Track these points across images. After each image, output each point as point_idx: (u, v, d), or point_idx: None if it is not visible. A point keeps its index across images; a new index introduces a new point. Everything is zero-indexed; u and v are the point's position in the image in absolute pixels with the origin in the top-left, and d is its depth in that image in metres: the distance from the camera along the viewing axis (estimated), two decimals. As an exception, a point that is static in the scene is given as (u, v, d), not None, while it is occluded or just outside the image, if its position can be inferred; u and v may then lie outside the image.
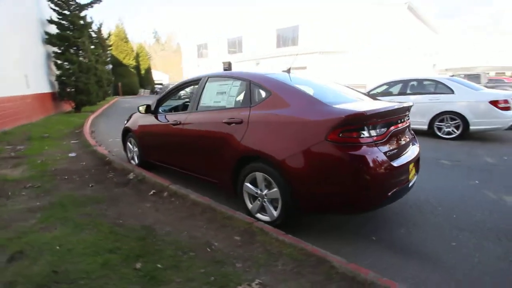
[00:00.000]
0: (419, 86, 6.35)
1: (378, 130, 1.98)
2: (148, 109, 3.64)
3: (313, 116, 2.02)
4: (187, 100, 4.15)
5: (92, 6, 11.62)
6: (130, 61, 31.13)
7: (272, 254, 1.91)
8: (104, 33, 19.51)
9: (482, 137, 5.97)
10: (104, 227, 2.27)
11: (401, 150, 2.19)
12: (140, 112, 3.73)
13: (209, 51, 27.39)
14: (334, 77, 14.68)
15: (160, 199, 2.94)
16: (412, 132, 2.68)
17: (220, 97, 2.79)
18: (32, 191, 3.16)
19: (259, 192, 2.38)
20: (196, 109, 2.98)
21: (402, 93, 6.48)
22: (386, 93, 6.74)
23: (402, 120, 2.25)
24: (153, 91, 35.03)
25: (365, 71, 16.67)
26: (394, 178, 2.02)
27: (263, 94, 2.42)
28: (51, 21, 10.38)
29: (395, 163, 2.02)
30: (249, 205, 2.48)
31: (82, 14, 11.44)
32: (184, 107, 4.00)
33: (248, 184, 2.44)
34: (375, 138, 1.95)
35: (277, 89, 2.33)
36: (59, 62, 10.50)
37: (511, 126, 5.51)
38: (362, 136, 1.92)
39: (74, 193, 3.14)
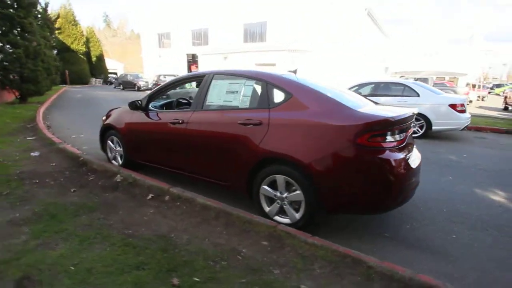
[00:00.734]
0: (388, 89, 6.89)
1: (398, 135, 2.10)
2: (137, 106, 3.33)
3: (343, 120, 2.05)
4: (181, 97, 3.90)
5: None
6: (79, 47, 28.12)
7: (306, 258, 1.92)
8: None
9: (441, 136, 6.73)
10: (115, 239, 2.03)
11: (412, 153, 2.36)
12: (130, 108, 3.39)
13: (172, 41, 25.98)
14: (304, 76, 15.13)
15: (163, 204, 2.74)
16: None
17: (231, 96, 2.68)
18: (2, 200, 2.68)
19: (278, 194, 2.35)
20: (202, 108, 2.82)
21: (372, 94, 6.95)
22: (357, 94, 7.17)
23: (411, 125, 2.42)
24: (106, 81, 32.16)
25: (327, 71, 17.50)
26: (412, 179, 2.17)
27: (283, 95, 2.38)
28: (-13, -4, 8.82)
29: (413, 165, 2.17)
30: (266, 208, 2.45)
31: (27, -10, 9.92)
32: (178, 104, 3.76)
33: (266, 187, 2.40)
34: (396, 142, 2.06)
35: (298, 91, 2.31)
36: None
37: (466, 127, 6.31)
38: (387, 140, 2.02)
39: (57, 200, 2.75)
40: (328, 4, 16.70)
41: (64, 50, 26.02)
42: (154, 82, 16.53)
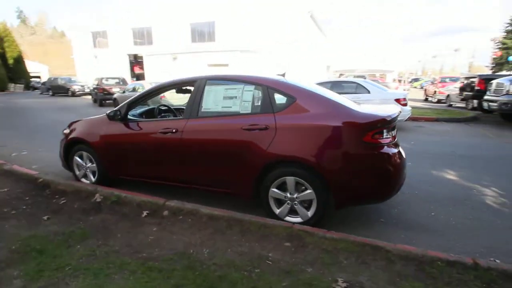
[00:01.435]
0: (344, 87, 7.54)
1: (392, 132, 2.36)
2: (115, 116, 3.02)
3: (348, 121, 2.22)
4: (162, 104, 3.65)
5: None
6: (-10, 47, 23.67)
7: (330, 252, 2.04)
8: None
9: (387, 127, 7.62)
10: (133, 266, 1.85)
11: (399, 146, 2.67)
12: (109, 119, 3.05)
13: (109, 41, 23.67)
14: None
15: (164, 220, 2.57)
16: None
17: (229, 102, 2.64)
18: (-42, 242, 2.18)
19: (288, 195, 2.43)
20: (197, 115, 2.71)
21: (329, 92, 7.53)
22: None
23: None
24: (28, 86, 27.75)
25: (278, 70, 18.17)
26: (404, 169, 2.47)
27: (286, 99, 2.45)
28: None
29: (403, 157, 2.47)
30: (276, 210, 2.50)
31: None
32: (160, 112, 3.52)
33: (275, 189, 2.46)
34: (391, 138, 2.32)
35: (301, 95, 2.41)
36: None
37: (408, 118, 7.29)
38: (385, 137, 2.26)
39: (33, 232, 2.36)
40: (273, 6, 17.31)
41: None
42: (94, 86, 14.88)
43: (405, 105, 6.95)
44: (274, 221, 2.40)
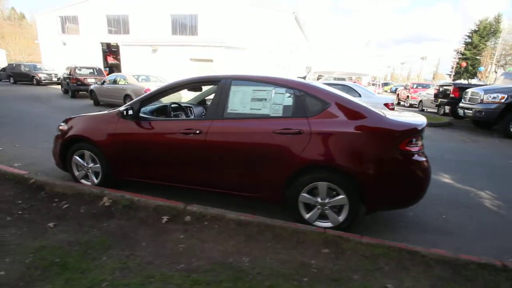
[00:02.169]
0: (336, 89, 7.69)
1: (421, 140, 2.42)
2: (128, 114, 2.78)
3: (386, 128, 2.25)
4: (173, 102, 3.43)
5: None
6: None
7: (370, 258, 2.06)
8: None
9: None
10: (177, 279, 1.72)
11: None
12: (120, 116, 2.80)
13: (80, 27, 21.95)
14: (240, 73, 15.20)
15: (189, 226, 2.43)
16: None
17: (258, 104, 2.55)
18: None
19: (319, 201, 2.42)
20: (223, 116, 2.59)
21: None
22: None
23: None
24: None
25: (261, 69, 18.17)
26: (430, 175, 2.55)
27: (320, 104, 2.42)
28: None
29: (429, 164, 2.55)
30: (306, 215, 2.48)
31: None
32: (172, 110, 3.31)
33: (306, 194, 2.43)
34: (420, 146, 2.38)
35: (335, 100, 2.40)
36: None
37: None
38: (417, 145, 2.32)
39: (43, 242, 2.11)
40: (259, 6, 17.24)
41: None
42: (66, 76, 13.73)
43: (392, 109, 7.28)
44: (305, 226, 2.37)
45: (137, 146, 2.82)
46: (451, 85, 10.34)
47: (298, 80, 2.61)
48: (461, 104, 8.56)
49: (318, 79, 19.84)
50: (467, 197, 3.52)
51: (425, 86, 19.24)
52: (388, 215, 2.92)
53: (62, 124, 3.28)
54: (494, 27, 46.01)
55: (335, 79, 17.53)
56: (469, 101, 8.21)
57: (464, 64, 40.98)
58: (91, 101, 11.23)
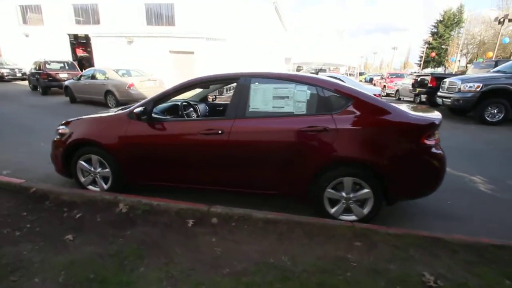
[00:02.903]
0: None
1: (437, 134, 2.53)
2: (141, 115, 2.65)
3: (409, 122, 2.34)
4: (185, 100, 3.30)
5: None
6: None
7: (400, 248, 2.17)
8: None
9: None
10: (229, 283, 1.70)
11: None
12: (133, 118, 2.65)
13: (44, 17, 20.15)
14: (222, 65, 14.92)
15: (217, 229, 2.40)
16: None
17: (281, 102, 2.53)
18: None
19: (344, 195, 2.49)
20: (244, 115, 2.54)
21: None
22: None
23: None
24: None
25: (241, 60, 17.96)
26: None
27: (343, 101, 2.45)
28: None
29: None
30: (331, 210, 2.54)
31: None
32: (183, 108, 3.19)
33: (331, 190, 2.49)
34: (437, 139, 2.49)
35: (358, 96, 2.44)
36: None
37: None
38: (435, 138, 2.44)
39: (68, 257, 2.00)
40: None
41: None
42: (34, 71, 12.67)
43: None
44: (333, 221, 2.44)
45: (154, 148, 2.71)
46: (428, 75, 10.89)
47: (319, 77, 2.63)
48: (439, 93, 9.06)
49: (298, 70, 20.01)
50: (462, 183, 3.79)
51: (400, 76, 20.16)
52: (401, 205, 3.08)
53: (62, 127, 3.05)
54: (457, 17, 48.84)
55: (316, 70, 17.77)
56: (447, 90, 8.72)
57: (433, 54, 43.25)
58: (67, 98, 10.50)
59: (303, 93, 2.52)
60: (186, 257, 2.02)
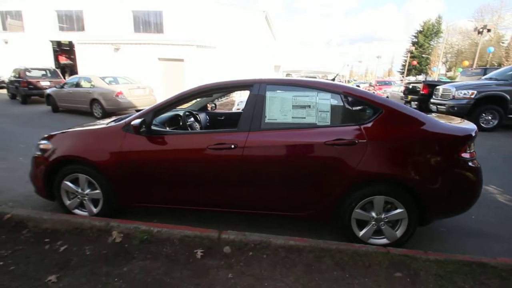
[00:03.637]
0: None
1: (473, 147, 2.28)
2: (140, 128, 2.28)
3: (446, 133, 2.10)
4: (187, 110, 2.95)
5: None
6: None
7: (445, 277, 1.89)
8: None
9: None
10: None
11: None
12: (129, 131, 2.28)
13: (25, 23, 19.27)
14: (212, 73, 14.62)
15: (232, 260, 2.05)
16: None
17: (302, 111, 2.24)
18: None
19: (374, 216, 2.20)
20: (260, 127, 2.23)
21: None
22: None
23: None
24: None
25: (231, 68, 17.73)
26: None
27: (371, 110, 2.20)
28: None
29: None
30: (359, 233, 2.25)
31: None
32: (185, 119, 2.83)
33: (359, 210, 2.20)
34: (473, 152, 2.25)
35: (388, 105, 2.19)
36: None
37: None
38: (471, 151, 2.20)
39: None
40: (229, 5, 16.76)
41: None
42: (14, 79, 11.91)
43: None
44: (365, 247, 2.14)
45: (155, 166, 2.34)
46: (420, 83, 10.99)
47: (343, 84, 2.37)
48: (433, 100, 9.10)
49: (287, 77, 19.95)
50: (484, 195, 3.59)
51: (388, 84, 20.55)
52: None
53: (43, 142, 2.64)
54: (436, 27, 51.14)
55: (306, 77, 17.73)
56: (441, 97, 8.76)
57: (415, 62, 44.76)
58: (48, 107, 9.85)
59: (327, 101, 2.24)
60: (200, 302, 1.65)
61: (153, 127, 2.45)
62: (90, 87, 8.81)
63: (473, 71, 12.29)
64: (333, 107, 2.24)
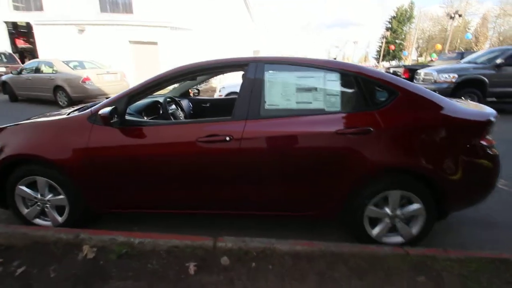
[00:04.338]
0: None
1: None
2: (110, 117, 1.84)
3: (469, 119, 1.87)
4: (168, 96, 2.49)
5: None
6: None
7: (470, 278, 1.71)
8: None
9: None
10: None
11: None
12: (97, 122, 1.84)
13: (-30, 1, 16.87)
14: (189, 57, 13.75)
15: (232, 273, 1.73)
16: None
17: (307, 95, 1.90)
18: None
19: (388, 212, 1.97)
20: (259, 114, 1.88)
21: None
22: None
23: None
24: None
25: (208, 51, 16.89)
26: None
27: (386, 93, 1.91)
28: None
29: None
30: (372, 232, 2.01)
31: None
32: (166, 106, 2.40)
33: (373, 207, 1.96)
34: (492, 140, 2.06)
35: (405, 87, 1.91)
36: None
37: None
38: (490, 137, 2.01)
39: None
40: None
41: None
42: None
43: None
44: (381, 248, 1.91)
45: (131, 163, 1.93)
46: (401, 67, 11.06)
47: (352, 64, 2.05)
48: (415, 84, 9.16)
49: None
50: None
51: (367, 68, 20.71)
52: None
53: (-14, 138, 2.11)
54: (408, 13, 52.33)
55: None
56: (422, 81, 8.81)
57: (392, 47, 45.68)
58: (5, 96, 8.76)
59: (336, 83, 1.92)
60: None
61: (127, 117, 2.02)
62: (53, 73, 7.86)
63: (449, 56, 12.56)
64: (343, 90, 1.93)
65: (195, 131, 1.89)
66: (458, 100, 2.37)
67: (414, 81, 9.32)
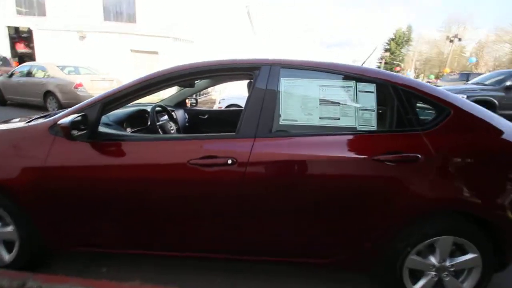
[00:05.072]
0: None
1: None
2: (76, 128, 1.40)
3: None
4: (158, 105, 2.07)
5: None
6: None
7: None
8: None
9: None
10: None
11: None
12: (59, 134, 1.40)
13: (-27, 5, 16.74)
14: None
15: None
16: None
17: (334, 110, 1.49)
18: None
19: (435, 264, 1.52)
20: (270, 131, 1.46)
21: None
22: None
23: None
24: None
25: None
26: None
27: (435, 110, 1.51)
28: None
29: None
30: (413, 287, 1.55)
31: None
32: (156, 117, 1.97)
33: (415, 257, 1.50)
34: None
35: (457, 104, 1.51)
36: None
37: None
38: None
39: None
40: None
41: None
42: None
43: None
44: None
45: (103, 191, 1.47)
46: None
47: (392, 73, 1.65)
48: (421, 104, 8.90)
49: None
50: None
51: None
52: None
53: None
54: (406, 36, 53.70)
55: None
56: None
57: (397, 68, 46.23)
58: (-6, 100, 8.32)
59: (371, 96, 1.51)
60: None
61: (102, 128, 1.58)
62: (44, 77, 7.47)
63: (452, 77, 12.45)
64: (380, 104, 1.51)
65: (187, 150, 1.45)
66: None
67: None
